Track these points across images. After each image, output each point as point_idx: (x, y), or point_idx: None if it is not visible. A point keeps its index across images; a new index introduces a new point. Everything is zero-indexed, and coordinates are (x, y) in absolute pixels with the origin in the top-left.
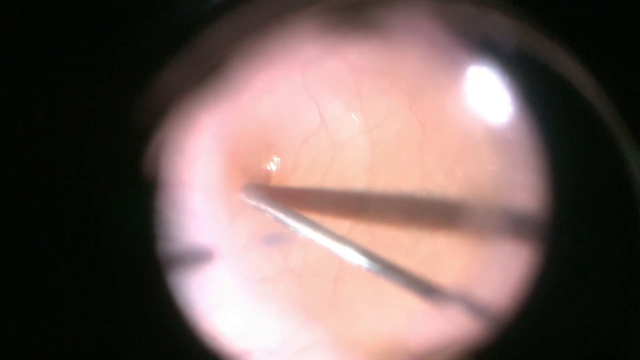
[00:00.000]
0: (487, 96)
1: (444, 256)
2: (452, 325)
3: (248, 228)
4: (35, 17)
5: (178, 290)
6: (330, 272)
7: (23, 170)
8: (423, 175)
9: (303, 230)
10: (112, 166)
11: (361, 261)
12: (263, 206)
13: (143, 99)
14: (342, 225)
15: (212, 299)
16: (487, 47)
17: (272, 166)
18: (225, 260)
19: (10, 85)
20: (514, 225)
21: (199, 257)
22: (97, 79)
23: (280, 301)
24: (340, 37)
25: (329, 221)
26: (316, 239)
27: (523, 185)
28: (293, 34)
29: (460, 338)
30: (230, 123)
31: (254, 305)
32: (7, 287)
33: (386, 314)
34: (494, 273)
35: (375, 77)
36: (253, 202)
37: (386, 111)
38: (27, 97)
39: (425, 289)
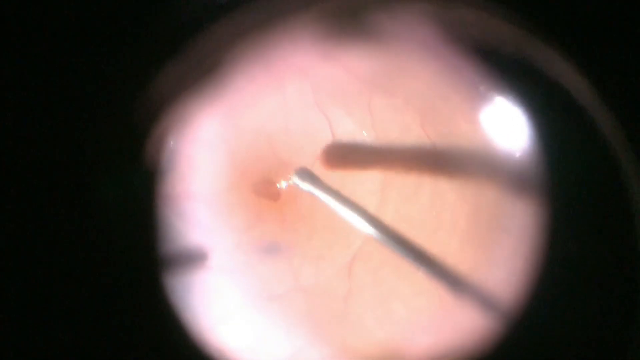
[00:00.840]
0: (497, 114)
1: (458, 239)
2: (458, 331)
3: (251, 238)
4: (36, 15)
5: (185, 304)
6: (341, 291)
7: (22, 171)
8: (434, 194)
9: (350, 218)
10: (111, 167)
11: (400, 251)
12: (315, 190)
13: (142, 99)
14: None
15: (218, 313)
16: (486, 54)
17: (282, 184)
18: (231, 274)
19: (9, 85)
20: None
21: (200, 266)
22: (95, 80)
23: (289, 318)
24: (339, 42)
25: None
26: (361, 227)
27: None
28: (291, 38)
29: (464, 344)
30: (230, 128)
31: (262, 321)
32: (3, 288)
33: (396, 331)
34: (501, 265)
35: (386, 94)
36: (305, 186)
37: (398, 129)
38: (25, 96)
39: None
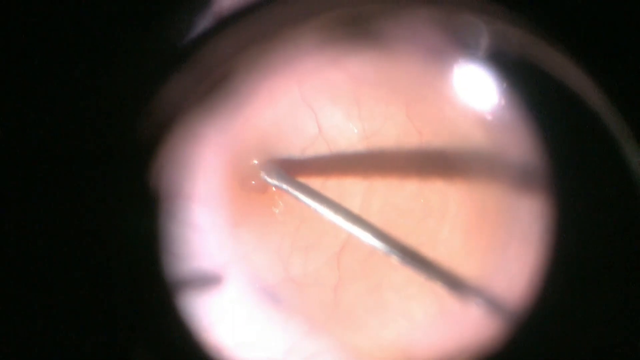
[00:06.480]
0: (485, 102)
1: (459, 240)
2: (458, 333)
3: (251, 240)
4: (41, 31)
5: (182, 304)
6: (330, 281)
7: (28, 187)
8: (421, 182)
9: (322, 211)
10: (118, 182)
11: (377, 244)
12: (284, 186)
13: (147, 113)
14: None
15: (215, 310)
16: (488, 56)
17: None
18: (226, 269)
19: (13, 98)
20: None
21: (207, 276)
22: (101, 93)
23: (282, 310)
24: (341, 50)
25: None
26: (335, 220)
27: (525, 190)
28: (295, 47)
29: (464, 346)
30: (234, 136)
31: (257, 315)
32: (15, 306)
33: (388, 321)
34: (507, 268)
35: (373, 86)
36: (274, 181)
37: (384, 118)
38: (30, 110)
39: (451, 282)
